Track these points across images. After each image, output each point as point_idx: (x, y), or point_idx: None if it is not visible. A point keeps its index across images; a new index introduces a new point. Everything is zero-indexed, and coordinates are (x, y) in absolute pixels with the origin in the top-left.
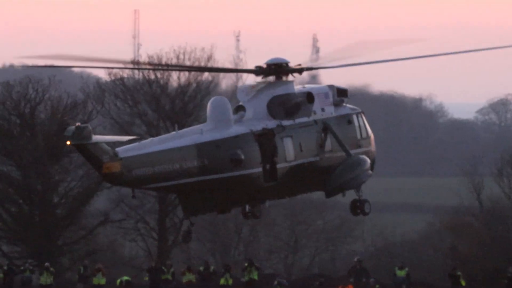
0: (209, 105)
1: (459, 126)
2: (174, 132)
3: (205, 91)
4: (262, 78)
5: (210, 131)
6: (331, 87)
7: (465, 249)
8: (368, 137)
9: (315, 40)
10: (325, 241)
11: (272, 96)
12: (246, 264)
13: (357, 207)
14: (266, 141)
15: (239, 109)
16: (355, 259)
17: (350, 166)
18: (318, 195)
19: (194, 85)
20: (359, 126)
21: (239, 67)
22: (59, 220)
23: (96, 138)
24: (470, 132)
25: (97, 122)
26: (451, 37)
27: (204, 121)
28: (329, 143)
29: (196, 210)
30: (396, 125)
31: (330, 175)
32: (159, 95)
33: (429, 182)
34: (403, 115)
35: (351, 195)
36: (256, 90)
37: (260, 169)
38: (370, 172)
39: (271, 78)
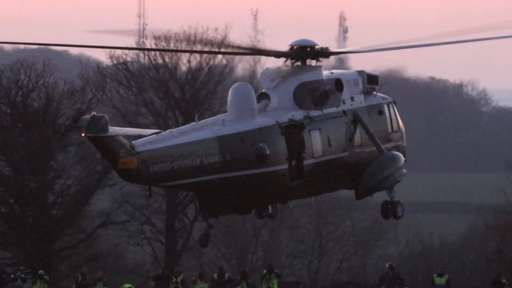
0: (230, 92)
1: (505, 115)
2: (193, 123)
3: (219, 76)
4: (285, 62)
5: (233, 122)
6: (361, 73)
7: (511, 252)
8: (399, 130)
9: (342, 19)
10: (354, 244)
11: (299, 83)
12: (264, 271)
13: (389, 209)
14: (293, 134)
15: (262, 97)
16: (387, 265)
17: (384, 163)
18: (347, 193)
19: (206, 69)
20: (390, 117)
21: (243, 51)
22: (55, 222)
23: (114, 130)
24: None
25: (97, 111)
26: (494, 17)
27: (221, 111)
28: (359, 136)
29: (216, 211)
30: (434, 114)
31: (361, 173)
32: (167, 81)
33: (471, 179)
34: (442, 103)
35: (381, 194)
36: (282, 76)
37: (286, 166)
38: (404, 170)
39: (295, 63)
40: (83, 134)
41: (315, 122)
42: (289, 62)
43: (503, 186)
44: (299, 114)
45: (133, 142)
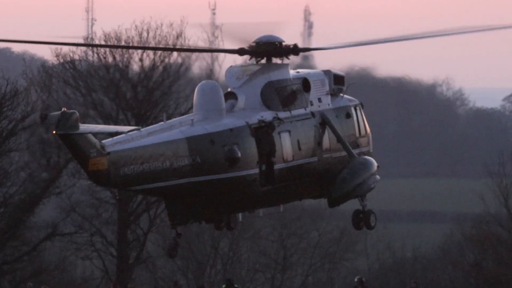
0: (197, 91)
1: (483, 117)
2: (161, 123)
3: (174, 76)
4: (249, 59)
5: (201, 122)
6: (327, 72)
7: (491, 266)
8: (366, 134)
9: (307, 13)
10: (320, 257)
11: (266, 82)
12: (224, 286)
13: (361, 219)
14: (263, 136)
15: (228, 96)
16: (356, 279)
17: (357, 169)
18: (312, 201)
19: (160, 68)
20: (358, 121)
21: (214, 47)
22: None
23: (87, 127)
24: (496, 123)
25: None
26: (469, 10)
27: (176, 113)
28: (327, 140)
29: (184, 218)
30: (407, 116)
31: (332, 180)
32: (118, 81)
33: (447, 185)
34: (415, 104)
35: (349, 203)
36: (248, 74)
37: (256, 171)
38: (378, 176)
39: (259, 61)
40: (53, 132)
41: (284, 123)
42: (253, 59)
43: (482, 193)
44: (268, 115)
45: (103, 141)
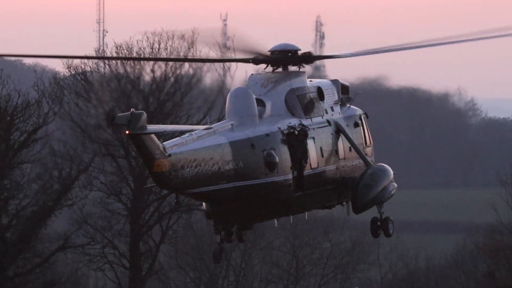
0: (230, 96)
1: (495, 127)
2: (206, 126)
3: (186, 87)
4: (265, 68)
5: (240, 127)
6: (335, 82)
7: (504, 276)
8: (371, 144)
9: (318, 24)
10: (333, 268)
11: (289, 89)
12: None
13: (379, 227)
14: (296, 142)
15: (256, 103)
16: None
17: (378, 176)
18: (324, 212)
19: (172, 80)
20: (364, 130)
21: (218, 58)
22: (9, 245)
23: (152, 128)
24: (508, 133)
25: (54, 125)
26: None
27: (188, 123)
28: (342, 148)
29: (228, 224)
30: (419, 126)
31: (356, 187)
32: (130, 93)
33: (459, 195)
34: (427, 115)
35: (366, 212)
36: (273, 81)
37: (290, 176)
38: (395, 184)
39: (276, 69)
40: (126, 132)
41: (309, 130)
42: (269, 68)
43: (494, 203)
44: (294, 122)
45: (164, 143)
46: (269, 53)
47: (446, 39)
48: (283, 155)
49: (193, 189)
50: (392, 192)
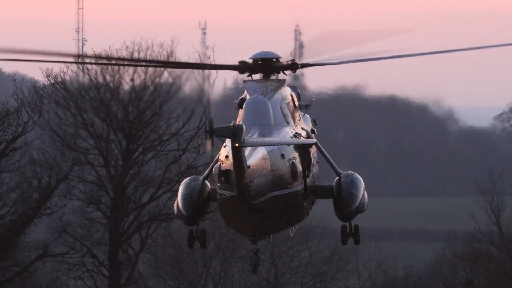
0: (248, 106)
1: (474, 135)
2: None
3: (165, 95)
4: (248, 76)
5: (268, 137)
6: (294, 89)
7: (482, 284)
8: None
9: (297, 33)
10: (312, 276)
11: (281, 97)
12: None
13: (349, 234)
14: (303, 152)
15: None
16: None
17: (358, 184)
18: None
19: (151, 88)
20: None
21: (202, 64)
22: None
23: (253, 140)
24: (487, 141)
25: (34, 134)
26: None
27: (167, 133)
28: (316, 156)
29: (266, 232)
30: (398, 135)
31: (340, 195)
32: (109, 101)
33: (438, 203)
34: (405, 123)
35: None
36: (271, 90)
37: (302, 186)
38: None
39: (257, 77)
40: (236, 145)
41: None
42: (252, 76)
43: (473, 211)
44: (295, 131)
45: None
46: (251, 60)
47: (430, 49)
48: (299, 165)
49: (257, 200)
50: (367, 200)
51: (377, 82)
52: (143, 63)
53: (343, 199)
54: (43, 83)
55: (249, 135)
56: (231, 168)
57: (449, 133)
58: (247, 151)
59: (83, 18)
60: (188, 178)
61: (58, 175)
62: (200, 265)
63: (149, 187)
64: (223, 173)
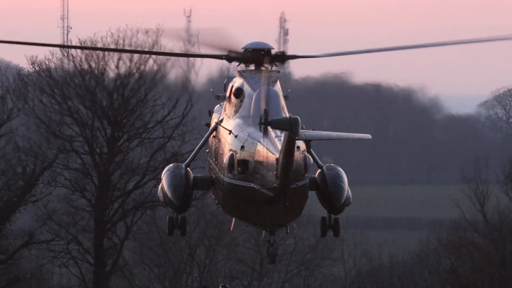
0: (258, 96)
1: (459, 123)
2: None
3: (150, 83)
4: (238, 65)
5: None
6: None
7: (467, 272)
8: None
9: (282, 21)
10: (297, 264)
11: (280, 89)
12: None
13: (329, 226)
14: (306, 144)
15: None
16: None
17: (343, 177)
18: None
19: (136, 75)
20: None
21: (191, 53)
22: None
23: (309, 134)
24: (472, 129)
25: (19, 121)
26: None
27: (152, 120)
28: None
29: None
30: (383, 122)
31: (326, 188)
32: (94, 89)
33: (423, 191)
34: (391, 111)
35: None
36: (273, 81)
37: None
38: None
39: (248, 66)
40: (296, 138)
41: None
42: (242, 65)
43: (458, 200)
44: None
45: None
46: (242, 50)
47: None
48: (309, 157)
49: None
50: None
51: (363, 70)
52: (129, 51)
53: (332, 192)
54: (28, 70)
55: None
56: (249, 159)
57: (434, 121)
58: (269, 142)
59: (68, 6)
60: (171, 165)
61: (43, 162)
62: (185, 252)
63: (134, 174)
64: (241, 163)
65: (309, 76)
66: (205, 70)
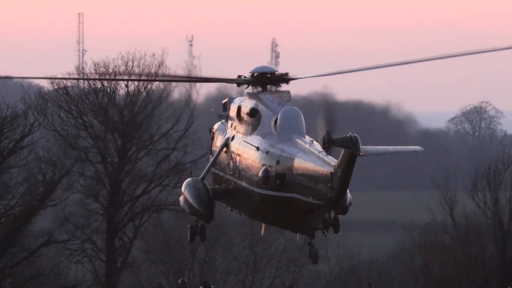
0: (285, 116)
1: (430, 136)
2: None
3: (157, 100)
4: (246, 88)
5: (313, 146)
6: None
7: (437, 269)
8: None
9: (274, 45)
10: (287, 261)
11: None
12: (201, 287)
13: (330, 224)
14: None
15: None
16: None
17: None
18: None
19: (144, 94)
20: None
21: (193, 75)
22: None
23: (367, 149)
24: (442, 142)
25: (39, 134)
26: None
27: (158, 133)
28: None
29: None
30: (362, 134)
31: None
32: (107, 105)
33: (398, 197)
34: (370, 125)
35: None
36: (286, 101)
37: None
38: None
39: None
40: (360, 154)
41: None
42: (250, 88)
43: (429, 205)
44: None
45: None
46: (249, 74)
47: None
48: None
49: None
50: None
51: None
52: (139, 79)
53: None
54: (47, 89)
55: (291, 142)
56: (287, 172)
57: (408, 134)
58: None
59: (83, 31)
60: (189, 180)
61: (61, 170)
62: (187, 251)
63: (142, 181)
64: (279, 176)
65: (297, 94)
66: (204, 90)
